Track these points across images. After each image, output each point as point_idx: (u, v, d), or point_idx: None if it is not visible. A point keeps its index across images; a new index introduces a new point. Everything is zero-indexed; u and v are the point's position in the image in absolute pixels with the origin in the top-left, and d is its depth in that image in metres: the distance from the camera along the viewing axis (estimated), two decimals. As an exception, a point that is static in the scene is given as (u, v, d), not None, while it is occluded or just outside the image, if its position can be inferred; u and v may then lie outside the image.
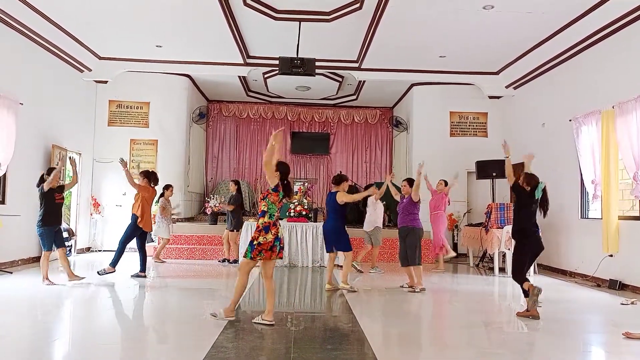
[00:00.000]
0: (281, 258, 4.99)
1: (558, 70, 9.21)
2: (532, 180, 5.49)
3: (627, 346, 4.30)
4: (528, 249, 5.44)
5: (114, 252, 7.27)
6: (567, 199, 8.68)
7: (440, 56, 9.94)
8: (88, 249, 10.80)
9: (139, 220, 7.29)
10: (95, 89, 11.14)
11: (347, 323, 4.94)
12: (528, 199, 5.44)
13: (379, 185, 9.15)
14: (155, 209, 8.77)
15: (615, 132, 7.26)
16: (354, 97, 13.58)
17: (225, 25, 8.65)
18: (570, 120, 8.47)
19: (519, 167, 6.25)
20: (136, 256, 7.55)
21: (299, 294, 6.92)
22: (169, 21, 8.63)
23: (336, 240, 6.84)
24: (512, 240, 5.78)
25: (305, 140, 14.48)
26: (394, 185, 7.87)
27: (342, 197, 6.73)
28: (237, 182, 9.69)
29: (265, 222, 4.68)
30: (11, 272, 7.55)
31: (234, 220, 9.28)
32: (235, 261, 9.22)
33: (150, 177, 7.66)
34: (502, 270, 8.65)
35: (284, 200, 4.83)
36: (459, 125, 11.81)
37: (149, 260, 8.87)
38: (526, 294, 5.29)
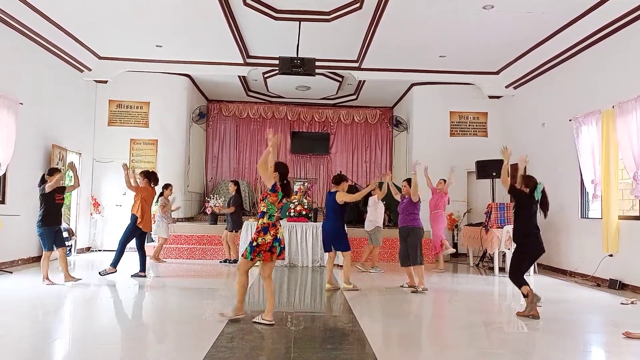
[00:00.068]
0: (282, 259, 4.99)
1: (558, 70, 9.21)
2: (530, 181, 5.46)
3: (627, 346, 4.30)
4: (529, 251, 5.41)
5: (114, 252, 7.28)
6: (567, 199, 8.69)
7: (440, 56, 9.94)
8: (88, 249, 10.81)
9: (138, 221, 7.30)
10: (95, 88, 11.14)
11: (347, 323, 4.94)
12: (527, 201, 5.40)
13: (380, 185, 9.15)
14: (155, 208, 8.78)
15: (615, 132, 7.26)
16: (354, 97, 13.58)
17: (225, 25, 8.65)
18: (570, 120, 8.47)
19: (512, 168, 6.24)
20: (136, 256, 7.56)
21: (299, 294, 6.91)
22: (169, 21, 8.63)
23: (335, 241, 6.83)
24: (513, 241, 5.75)
25: (305, 140, 14.49)
26: (394, 185, 7.88)
27: (342, 197, 6.72)
28: (236, 183, 9.69)
29: (264, 223, 4.68)
30: (11, 272, 7.55)
31: (233, 220, 9.27)
32: (236, 261, 9.22)
33: (150, 177, 7.66)
34: (502, 270, 8.65)
35: (283, 201, 4.83)
36: (459, 125, 11.81)
37: (149, 260, 8.89)
38: (525, 295, 5.29)
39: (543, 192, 5.42)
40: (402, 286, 7.04)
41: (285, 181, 4.79)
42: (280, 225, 4.79)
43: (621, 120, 7.11)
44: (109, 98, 11.27)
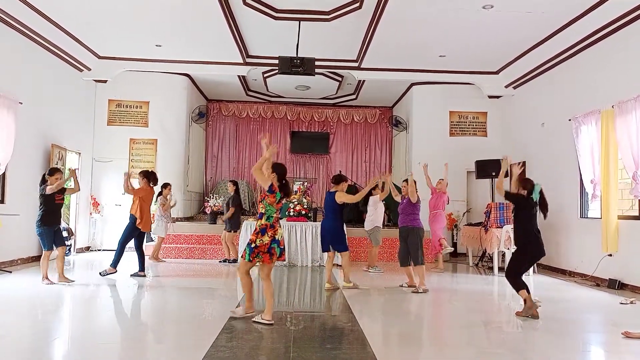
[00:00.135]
0: (283, 261, 4.98)
1: (558, 70, 9.21)
2: (527, 183, 5.43)
3: (626, 345, 4.31)
4: (528, 253, 5.37)
5: (113, 252, 7.28)
6: (566, 199, 8.69)
7: (440, 55, 9.94)
8: (87, 249, 10.80)
9: (138, 221, 7.30)
10: (95, 88, 11.13)
11: (347, 322, 4.94)
12: (526, 203, 5.36)
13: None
14: (154, 207, 8.78)
15: (615, 131, 7.26)
16: (354, 96, 13.58)
17: (225, 25, 8.65)
18: (569, 120, 8.47)
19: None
20: (135, 256, 7.54)
21: (299, 294, 6.92)
22: (168, 20, 8.62)
23: (334, 240, 6.83)
24: (515, 244, 5.68)
25: (305, 140, 14.48)
26: (395, 186, 7.87)
27: (342, 198, 6.73)
28: (235, 183, 9.67)
29: (262, 225, 4.68)
30: (10, 272, 7.55)
31: (232, 221, 9.27)
32: (235, 261, 9.22)
33: (150, 177, 7.66)
34: (501, 269, 8.64)
35: (283, 201, 4.83)
36: (458, 125, 11.81)
37: (148, 260, 8.89)
38: (524, 300, 5.24)
39: (541, 192, 5.38)
40: (402, 286, 7.04)
41: (283, 181, 4.79)
42: (279, 226, 4.78)
43: (621, 120, 7.12)
44: (108, 98, 11.27)
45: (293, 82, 12.10)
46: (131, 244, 7.50)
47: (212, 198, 11.49)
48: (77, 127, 10.48)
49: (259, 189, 13.51)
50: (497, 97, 11.47)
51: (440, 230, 8.85)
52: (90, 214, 10.86)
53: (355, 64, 10.79)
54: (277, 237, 4.69)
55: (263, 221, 4.69)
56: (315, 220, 10.05)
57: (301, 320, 5.00)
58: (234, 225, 9.27)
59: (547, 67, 9.40)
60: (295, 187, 10.88)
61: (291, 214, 9.87)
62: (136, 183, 7.78)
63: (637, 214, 7.12)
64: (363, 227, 8.98)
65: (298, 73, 8.86)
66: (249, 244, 4.70)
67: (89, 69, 10.51)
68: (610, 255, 7.42)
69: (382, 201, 8.84)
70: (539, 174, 9.66)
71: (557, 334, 4.67)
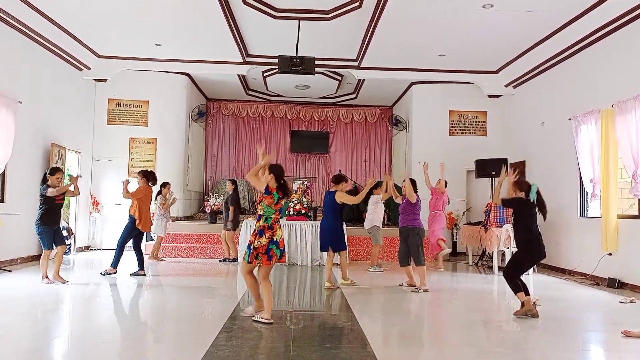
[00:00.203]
0: (283, 262, 4.97)
1: (557, 69, 9.21)
2: (523, 185, 5.41)
3: (626, 344, 4.31)
4: (529, 254, 5.35)
5: (113, 251, 7.29)
6: (566, 198, 8.69)
7: (440, 55, 9.93)
8: (87, 248, 10.80)
9: (137, 222, 7.30)
10: (95, 87, 11.13)
11: (347, 321, 4.94)
12: (525, 205, 5.32)
13: (380, 183, 9.14)
14: (154, 207, 8.77)
15: (615, 131, 7.26)
16: (354, 95, 13.58)
17: (225, 24, 8.64)
18: (569, 119, 8.47)
19: (518, 166, 6.24)
20: (134, 255, 7.55)
21: (298, 293, 6.92)
22: (168, 20, 8.62)
23: (334, 240, 6.83)
24: (516, 247, 5.61)
25: (305, 139, 14.48)
26: (396, 186, 7.87)
27: (342, 198, 6.73)
28: (234, 182, 9.66)
29: (260, 226, 4.68)
30: (10, 271, 7.54)
31: (231, 220, 9.27)
32: (235, 259, 9.23)
33: (149, 176, 7.65)
34: (501, 268, 8.61)
35: (282, 202, 4.81)
36: (458, 124, 11.81)
37: (148, 259, 8.90)
38: (522, 304, 5.22)
39: (538, 192, 5.35)
40: (402, 285, 7.05)
41: (282, 181, 4.79)
42: (279, 227, 4.77)
43: (620, 119, 7.12)
44: (108, 97, 11.26)
45: (293, 81, 12.09)
46: (129, 243, 7.50)
47: (212, 197, 11.49)
48: (77, 126, 10.47)
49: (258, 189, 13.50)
50: (497, 96, 11.47)
51: (440, 230, 8.85)
52: (90, 213, 10.86)
53: (355, 63, 10.78)
54: (275, 238, 4.67)
55: (261, 223, 4.69)
56: (315, 220, 10.06)
57: (301, 320, 5.01)
58: (232, 223, 9.27)
59: (547, 66, 9.39)
60: (295, 187, 10.87)
61: (291, 213, 9.87)
62: (135, 183, 7.77)
63: (636, 213, 7.12)
64: (363, 226, 8.98)
65: (298, 72, 8.86)
66: (248, 246, 4.72)
67: (89, 68, 10.50)
68: (610, 254, 7.42)
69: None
70: (538, 173, 9.68)
71: (557, 333, 4.67)
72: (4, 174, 7.89)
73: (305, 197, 10.43)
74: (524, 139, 10.40)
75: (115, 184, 10.69)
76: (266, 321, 4.58)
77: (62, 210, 7.15)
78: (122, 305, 5.84)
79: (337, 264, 8.11)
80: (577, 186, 8.47)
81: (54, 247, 6.71)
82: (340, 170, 13.16)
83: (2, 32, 7.86)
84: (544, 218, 5.44)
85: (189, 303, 5.82)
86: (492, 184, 10.40)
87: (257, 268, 4.77)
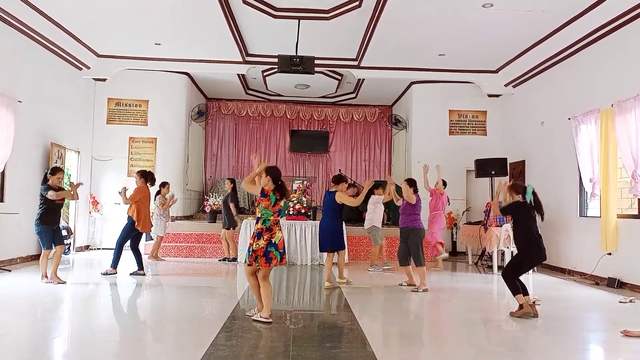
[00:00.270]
0: (283, 265, 4.96)
1: (557, 69, 9.21)
2: (519, 187, 5.41)
3: (625, 344, 4.31)
4: (529, 256, 5.33)
5: (112, 250, 7.28)
6: (566, 197, 8.69)
7: (440, 54, 9.93)
8: (87, 247, 10.80)
9: (136, 223, 7.29)
10: (94, 86, 11.12)
11: (346, 321, 4.95)
12: (523, 207, 5.31)
13: (379, 183, 9.15)
14: (153, 207, 8.77)
15: (614, 130, 7.26)
16: (353, 95, 13.58)
17: (225, 23, 8.63)
18: (569, 119, 8.47)
19: (518, 165, 6.23)
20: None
21: (298, 292, 6.92)
22: (168, 19, 8.61)
23: (333, 240, 6.82)
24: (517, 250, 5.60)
25: (304, 139, 14.48)
26: (397, 187, 7.87)
27: (342, 199, 6.73)
28: (232, 180, 9.67)
29: (258, 229, 4.68)
30: (10, 270, 7.54)
31: (231, 219, 9.27)
32: (235, 259, 9.23)
33: (147, 177, 7.64)
34: (500, 268, 8.64)
35: (281, 203, 4.79)
36: (458, 124, 11.81)
37: (148, 259, 8.90)
38: (520, 306, 5.20)
39: (534, 193, 5.34)
40: (401, 284, 7.05)
41: (279, 182, 4.78)
42: (279, 229, 4.76)
43: (620, 119, 7.11)
44: (107, 96, 11.25)
45: (292, 80, 12.09)
46: (127, 243, 7.50)
47: (212, 197, 11.49)
48: (77, 125, 10.46)
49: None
50: (497, 95, 11.47)
51: (439, 231, 8.85)
52: (90, 212, 10.86)
53: (355, 63, 10.78)
54: (273, 240, 4.66)
55: (259, 225, 4.69)
56: (314, 219, 10.06)
57: (301, 319, 5.01)
58: (232, 222, 9.28)
59: (546, 65, 9.39)
60: (295, 186, 10.88)
61: (290, 212, 9.87)
62: (133, 183, 7.76)
63: (636, 212, 7.12)
64: (363, 226, 8.98)
65: (297, 72, 8.85)
66: (248, 248, 4.73)
67: (89, 68, 10.49)
68: (610, 254, 7.42)
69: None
70: (538, 173, 9.68)
71: (557, 332, 4.67)
72: (3, 173, 7.88)
73: (304, 196, 10.43)
74: (524, 139, 10.40)
75: (115, 184, 10.71)
76: (265, 320, 4.58)
77: (61, 210, 7.15)
78: (122, 305, 5.84)
79: (336, 264, 8.11)
80: (576, 186, 8.47)
81: (53, 246, 6.71)
82: (340, 170, 13.18)
83: (2, 32, 7.85)
84: (542, 218, 5.45)
85: (188, 302, 5.83)
86: (492, 184, 10.40)
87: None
